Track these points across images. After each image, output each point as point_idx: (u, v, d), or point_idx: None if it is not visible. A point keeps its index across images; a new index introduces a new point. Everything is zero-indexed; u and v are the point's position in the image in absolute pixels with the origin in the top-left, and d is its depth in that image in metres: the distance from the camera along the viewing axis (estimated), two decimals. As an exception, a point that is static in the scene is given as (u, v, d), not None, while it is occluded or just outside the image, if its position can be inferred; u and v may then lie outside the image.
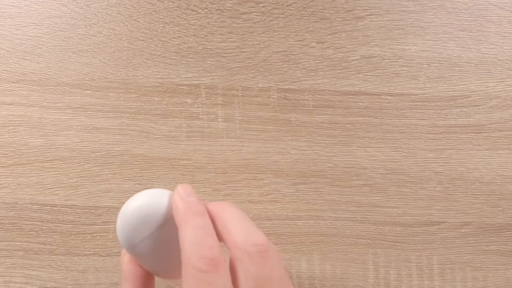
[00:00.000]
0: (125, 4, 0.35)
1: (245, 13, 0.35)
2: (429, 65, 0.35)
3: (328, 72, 0.35)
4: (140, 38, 0.35)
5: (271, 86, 0.35)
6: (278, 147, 0.36)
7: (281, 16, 0.35)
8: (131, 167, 0.36)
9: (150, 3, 0.35)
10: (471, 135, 0.36)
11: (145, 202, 0.26)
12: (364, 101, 0.35)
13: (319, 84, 0.35)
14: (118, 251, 0.36)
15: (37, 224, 0.36)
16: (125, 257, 0.27)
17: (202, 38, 0.35)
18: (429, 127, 0.36)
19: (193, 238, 0.24)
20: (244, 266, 0.24)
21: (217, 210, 0.26)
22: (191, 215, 0.25)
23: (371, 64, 0.35)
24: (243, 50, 0.35)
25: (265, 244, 0.24)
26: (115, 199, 0.36)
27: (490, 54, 0.35)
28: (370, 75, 0.35)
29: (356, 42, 0.35)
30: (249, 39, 0.35)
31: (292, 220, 0.36)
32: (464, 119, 0.36)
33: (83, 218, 0.36)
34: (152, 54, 0.35)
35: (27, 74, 0.35)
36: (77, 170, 0.36)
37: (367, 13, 0.35)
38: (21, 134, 0.36)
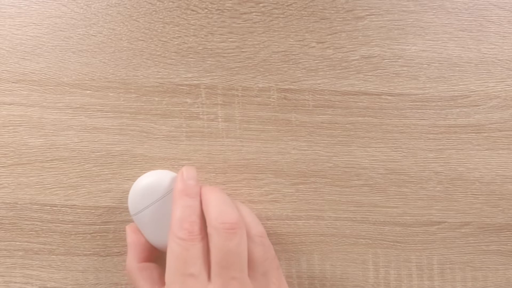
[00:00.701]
0: (125, 4, 0.35)
1: (245, 13, 0.35)
2: (429, 65, 0.35)
3: (328, 72, 0.35)
4: (140, 38, 0.35)
5: (271, 86, 0.35)
6: (278, 147, 0.36)
7: (281, 16, 0.35)
8: (131, 167, 0.36)
9: (150, 3, 0.35)
10: (471, 135, 0.36)
11: (151, 178, 0.33)
12: (364, 101, 0.35)
13: (319, 84, 0.35)
14: (118, 251, 0.36)
15: (37, 224, 0.36)
16: (129, 228, 0.33)
17: (202, 38, 0.35)
18: (429, 127, 0.36)
19: (180, 214, 0.29)
20: (213, 240, 0.28)
21: (205, 193, 0.31)
22: (184, 195, 0.30)
23: (371, 64, 0.35)
24: (243, 50, 0.35)
25: (234, 223, 0.28)
26: (115, 199, 0.36)
27: (490, 54, 0.35)
28: (370, 75, 0.35)
29: (356, 42, 0.35)
30: (249, 39, 0.35)
31: (292, 220, 0.36)
32: (464, 119, 0.36)
33: (83, 218, 0.36)
34: (152, 54, 0.35)
35: (27, 74, 0.35)
36: (77, 170, 0.36)
37: (367, 13, 0.35)
38: (21, 134, 0.36)
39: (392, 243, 0.35)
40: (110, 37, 0.35)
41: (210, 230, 0.29)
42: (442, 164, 0.36)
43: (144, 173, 0.34)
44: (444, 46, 0.35)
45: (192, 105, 0.35)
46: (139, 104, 0.35)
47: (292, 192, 0.36)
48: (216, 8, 0.35)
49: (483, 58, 0.36)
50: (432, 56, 0.35)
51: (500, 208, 0.36)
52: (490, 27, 0.35)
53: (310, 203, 0.36)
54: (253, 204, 0.35)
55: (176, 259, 0.28)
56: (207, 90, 0.35)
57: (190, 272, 0.27)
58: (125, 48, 0.35)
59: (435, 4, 0.35)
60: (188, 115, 0.35)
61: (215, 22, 0.35)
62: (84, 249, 0.36)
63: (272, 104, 0.36)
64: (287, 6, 0.35)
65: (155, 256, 0.33)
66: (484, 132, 0.36)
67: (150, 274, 0.31)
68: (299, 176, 0.36)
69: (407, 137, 0.36)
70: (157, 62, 0.35)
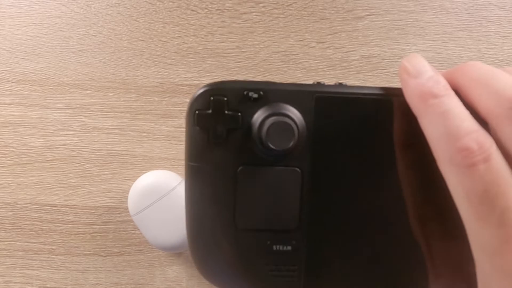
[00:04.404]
0: (125, 4, 0.35)
1: (245, 13, 0.35)
2: (429, 65, 0.35)
3: (328, 72, 0.35)
4: (140, 38, 0.35)
5: (271, 86, 0.35)
6: (278, 147, 0.36)
7: (281, 16, 0.35)
8: (131, 167, 0.36)
9: (150, 3, 0.35)
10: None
11: (151, 178, 0.33)
12: (364, 101, 0.35)
13: (319, 84, 0.35)
14: (118, 251, 0.36)
15: (37, 224, 0.36)
16: None
17: (202, 38, 0.35)
18: (429, 127, 0.36)
19: (441, 129, 0.18)
20: (509, 136, 0.17)
21: (457, 77, 0.20)
22: (430, 99, 0.19)
23: (371, 64, 0.35)
24: (243, 50, 0.35)
25: None
26: (115, 199, 0.36)
27: (490, 54, 0.35)
28: (370, 75, 0.35)
29: (356, 42, 0.35)
30: (249, 39, 0.35)
31: (292, 220, 0.36)
32: (464, 119, 0.36)
33: (83, 218, 0.36)
34: (152, 54, 0.35)
35: (27, 74, 0.35)
36: (77, 170, 0.36)
37: (367, 13, 0.35)
38: (21, 134, 0.36)
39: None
40: (110, 37, 0.35)
41: (495, 123, 0.18)
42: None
43: (144, 173, 0.34)
44: (444, 46, 0.35)
45: (192, 105, 0.35)
46: (139, 104, 0.35)
47: (292, 192, 0.36)
48: (216, 8, 0.35)
49: (483, 58, 0.35)
50: (432, 56, 0.35)
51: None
52: (490, 27, 0.35)
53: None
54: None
55: (473, 198, 0.17)
56: (207, 90, 0.35)
57: (504, 205, 0.17)
58: (125, 48, 0.35)
59: (435, 4, 0.35)
60: (188, 115, 0.35)
61: (215, 22, 0.35)
62: (84, 249, 0.36)
63: (272, 104, 0.36)
64: (287, 6, 0.35)
65: None
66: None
67: None
68: (299, 176, 0.36)
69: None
70: (157, 62, 0.35)
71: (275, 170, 0.22)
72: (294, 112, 0.22)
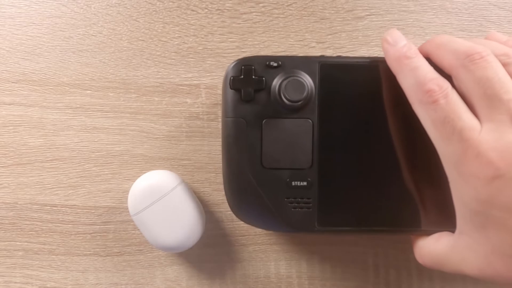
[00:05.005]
0: (125, 4, 0.35)
1: (245, 13, 0.35)
2: (429, 65, 0.35)
3: (328, 72, 0.35)
4: (140, 38, 0.35)
5: (271, 86, 0.35)
6: (278, 147, 0.35)
7: (281, 16, 0.35)
8: (131, 167, 0.36)
9: (150, 3, 0.35)
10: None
11: (151, 178, 0.33)
12: (364, 101, 0.35)
13: (319, 84, 0.35)
14: (118, 251, 0.36)
15: (37, 224, 0.36)
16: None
17: (202, 38, 0.35)
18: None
19: (412, 80, 0.24)
20: (464, 80, 0.24)
21: (426, 46, 0.26)
22: (404, 60, 0.25)
23: (371, 64, 0.35)
24: (243, 50, 0.35)
25: (480, 52, 0.23)
26: (115, 199, 0.36)
27: (490, 54, 0.35)
28: (370, 75, 0.35)
29: (356, 42, 0.35)
30: (249, 39, 0.35)
31: (292, 220, 0.36)
32: (464, 119, 0.36)
33: (83, 218, 0.36)
34: (152, 54, 0.35)
35: (27, 74, 0.35)
36: (77, 170, 0.36)
37: (367, 13, 0.35)
38: (21, 134, 0.36)
39: (392, 243, 0.35)
40: (110, 37, 0.35)
41: (455, 73, 0.24)
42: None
43: (144, 173, 0.34)
44: (444, 46, 0.35)
45: (192, 105, 0.35)
46: (139, 104, 0.35)
47: (292, 192, 0.36)
48: (216, 8, 0.35)
49: (483, 58, 0.35)
50: (432, 56, 0.35)
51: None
52: (490, 27, 0.35)
53: (310, 203, 0.36)
54: (253, 204, 0.35)
55: (438, 125, 0.23)
56: (207, 90, 0.35)
57: (461, 126, 0.23)
58: (125, 48, 0.35)
59: (435, 4, 0.35)
60: (188, 115, 0.35)
61: (215, 22, 0.35)
62: (84, 249, 0.36)
63: (272, 104, 0.36)
64: (287, 6, 0.35)
65: None
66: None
67: None
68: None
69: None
70: (157, 62, 0.35)
71: (292, 121, 0.29)
72: (304, 75, 0.28)
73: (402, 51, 0.25)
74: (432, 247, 0.27)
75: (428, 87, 0.24)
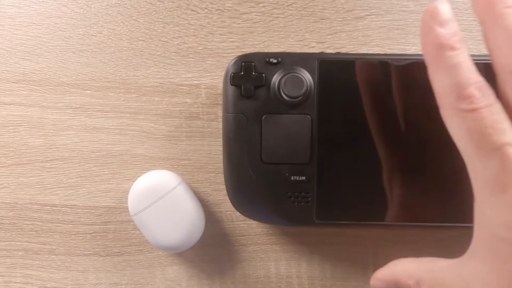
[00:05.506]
0: (125, 4, 0.35)
1: (245, 13, 0.35)
2: (429, 65, 0.35)
3: (328, 72, 0.35)
4: (140, 38, 0.35)
5: (271, 86, 0.35)
6: (278, 147, 0.35)
7: (281, 16, 0.35)
8: (131, 167, 0.36)
9: (150, 3, 0.35)
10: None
11: (151, 178, 0.33)
12: (364, 101, 0.35)
13: (319, 84, 0.35)
14: (118, 251, 0.36)
15: (37, 224, 0.36)
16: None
17: (202, 38, 0.35)
18: (429, 127, 0.36)
19: (448, 79, 0.20)
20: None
21: (485, 19, 0.21)
22: (446, 51, 0.20)
23: (371, 64, 0.35)
24: (243, 50, 0.35)
25: None
26: (115, 199, 0.36)
27: (490, 54, 0.35)
28: (370, 75, 0.35)
29: (356, 42, 0.35)
30: (249, 39, 0.35)
31: (292, 220, 0.36)
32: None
33: (83, 218, 0.36)
34: (152, 54, 0.35)
35: (27, 74, 0.35)
36: (77, 170, 0.36)
37: (367, 13, 0.35)
38: (21, 134, 0.36)
39: (392, 243, 0.35)
40: (110, 37, 0.35)
41: (503, 78, 0.20)
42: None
43: (144, 173, 0.34)
44: (444, 46, 0.35)
45: (192, 105, 0.35)
46: (139, 104, 0.35)
47: (292, 192, 0.36)
48: (216, 8, 0.35)
49: (483, 58, 0.35)
50: (432, 56, 0.35)
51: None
52: (490, 27, 0.35)
53: (310, 203, 0.36)
54: (253, 204, 0.35)
55: (475, 137, 0.20)
56: (207, 90, 0.35)
57: (504, 141, 0.19)
58: (125, 48, 0.35)
59: (435, 4, 0.35)
60: (188, 115, 0.35)
61: (215, 22, 0.35)
62: (84, 249, 0.36)
63: (272, 104, 0.36)
64: (287, 6, 0.35)
65: None
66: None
67: None
68: (299, 176, 0.36)
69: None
70: (157, 62, 0.35)
71: (291, 116, 0.29)
72: (303, 71, 0.29)
73: (450, 38, 0.20)
74: (423, 269, 0.24)
75: (469, 92, 0.19)
